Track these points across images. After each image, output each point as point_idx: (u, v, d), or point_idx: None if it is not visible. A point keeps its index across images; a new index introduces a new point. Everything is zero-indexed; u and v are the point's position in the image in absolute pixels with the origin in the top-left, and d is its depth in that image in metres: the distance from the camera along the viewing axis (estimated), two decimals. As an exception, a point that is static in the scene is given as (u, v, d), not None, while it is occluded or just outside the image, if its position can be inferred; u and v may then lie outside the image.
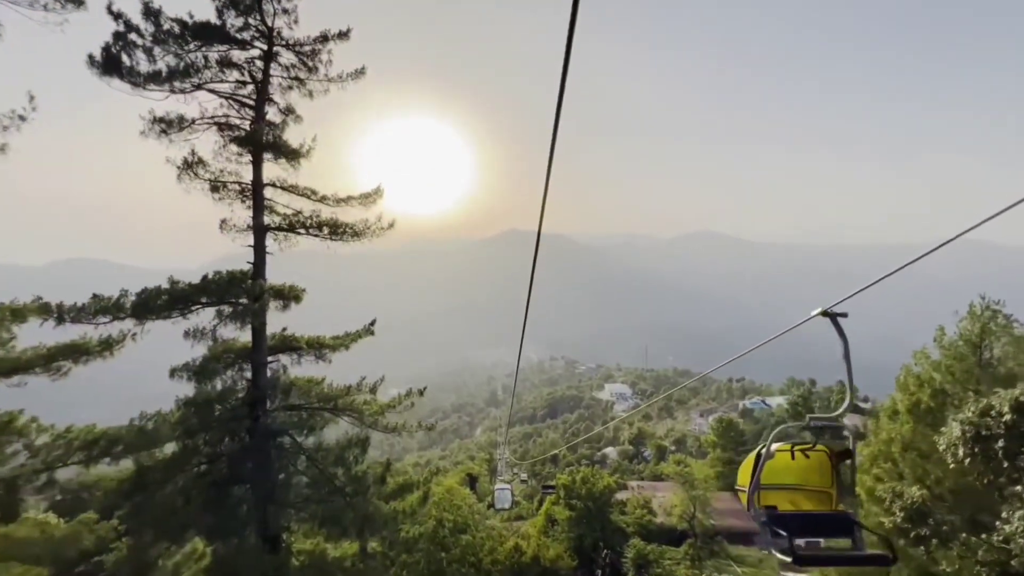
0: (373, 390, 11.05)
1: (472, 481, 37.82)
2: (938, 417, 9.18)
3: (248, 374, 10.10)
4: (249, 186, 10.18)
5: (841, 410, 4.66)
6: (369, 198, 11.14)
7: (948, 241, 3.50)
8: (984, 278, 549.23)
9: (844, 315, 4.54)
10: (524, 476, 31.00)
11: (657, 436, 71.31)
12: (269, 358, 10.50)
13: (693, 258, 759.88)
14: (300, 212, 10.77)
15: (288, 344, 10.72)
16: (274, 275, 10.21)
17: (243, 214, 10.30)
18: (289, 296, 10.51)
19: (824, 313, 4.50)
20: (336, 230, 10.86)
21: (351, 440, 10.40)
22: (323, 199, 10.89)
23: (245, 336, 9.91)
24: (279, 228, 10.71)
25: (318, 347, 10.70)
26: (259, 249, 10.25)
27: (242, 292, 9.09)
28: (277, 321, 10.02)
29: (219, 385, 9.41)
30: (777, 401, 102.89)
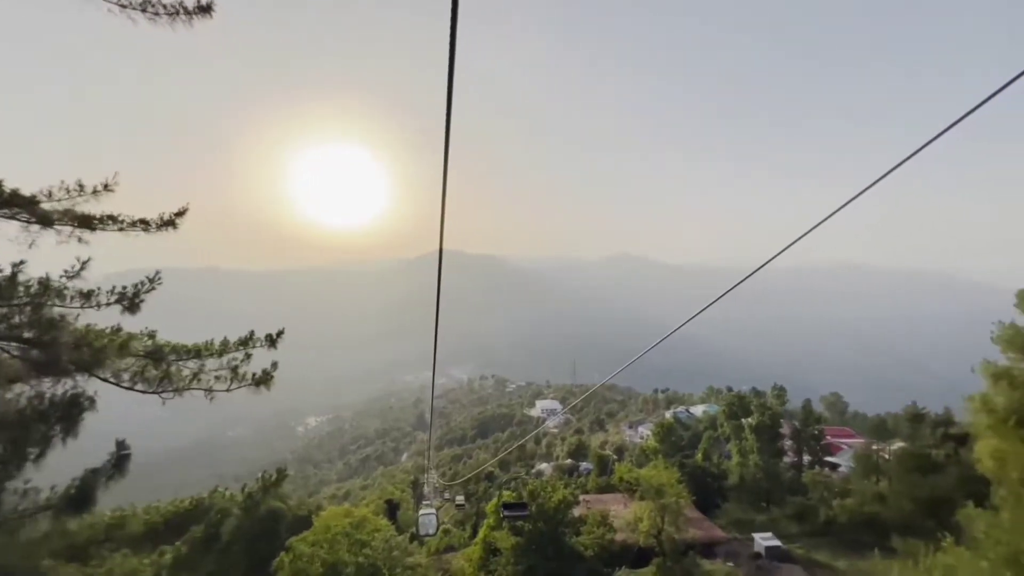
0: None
1: (392, 509, 31.49)
2: None
3: None
4: None
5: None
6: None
7: (768, 261, 4.94)
8: (858, 296, 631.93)
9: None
10: (461, 499, 25.69)
11: (595, 447, 68.29)
12: None
13: (616, 279, 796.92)
14: None
15: None
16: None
17: None
18: None
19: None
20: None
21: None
22: None
23: None
24: None
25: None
26: None
27: None
28: None
29: None
30: (701, 409, 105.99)
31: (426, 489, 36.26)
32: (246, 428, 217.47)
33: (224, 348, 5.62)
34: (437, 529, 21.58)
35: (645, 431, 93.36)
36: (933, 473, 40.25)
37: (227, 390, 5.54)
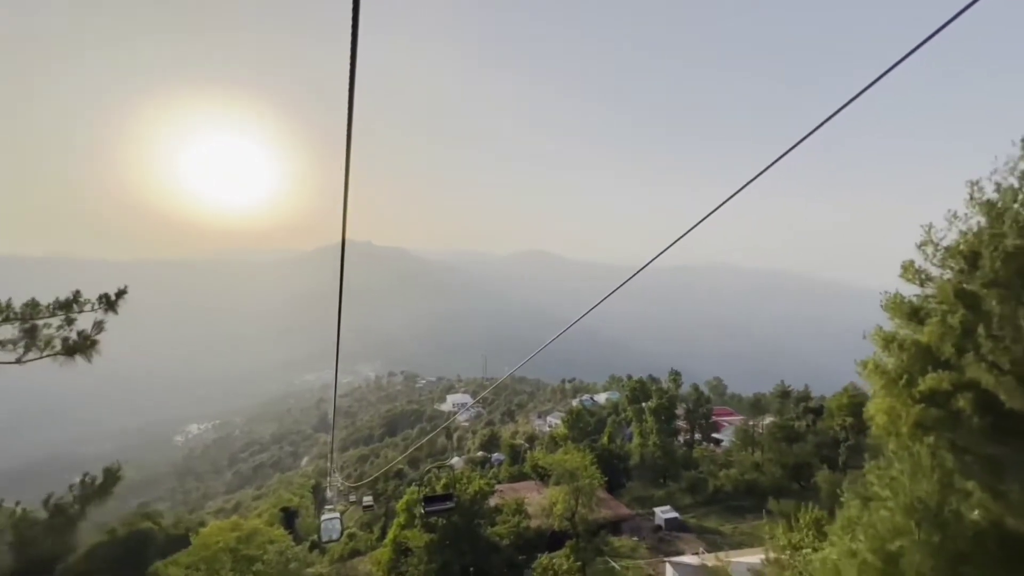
0: None
1: (290, 517, 28.67)
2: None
3: None
4: None
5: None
6: None
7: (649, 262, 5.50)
8: (730, 292, 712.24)
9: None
10: (369, 500, 23.68)
11: (507, 438, 68.85)
12: None
13: (525, 274, 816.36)
14: None
15: None
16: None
17: None
18: None
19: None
20: None
21: None
22: None
23: None
24: None
25: None
26: None
27: None
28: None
29: None
30: (604, 396, 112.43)
31: (329, 493, 33.74)
32: (106, 444, 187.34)
33: (32, 311, 4.00)
34: (341, 533, 19.91)
35: (554, 420, 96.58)
36: (796, 442, 46.40)
37: (18, 361, 3.98)
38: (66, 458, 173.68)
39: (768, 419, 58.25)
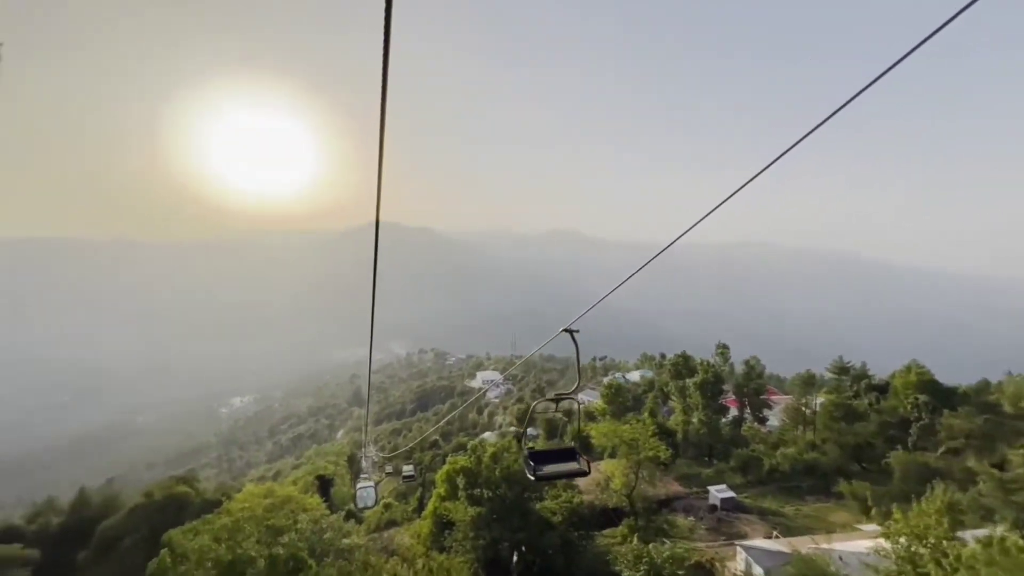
0: None
1: (325, 485, 27.86)
2: None
3: None
4: None
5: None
6: None
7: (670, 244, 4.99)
8: (766, 271, 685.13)
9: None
10: (409, 469, 22.10)
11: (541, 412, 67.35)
12: None
13: (556, 253, 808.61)
14: None
15: None
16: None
17: None
18: None
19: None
20: None
21: None
22: None
23: None
24: None
25: None
26: None
27: None
28: None
29: None
30: (637, 374, 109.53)
31: (364, 463, 33.05)
32: (156, 414, 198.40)
33: None
34: (376, 501, 18.86)
35: (585, 397, 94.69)
36: (857, 421, 42.82)
37: None
38: (126, 426, 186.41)
39: (818, 399, 54.50)
